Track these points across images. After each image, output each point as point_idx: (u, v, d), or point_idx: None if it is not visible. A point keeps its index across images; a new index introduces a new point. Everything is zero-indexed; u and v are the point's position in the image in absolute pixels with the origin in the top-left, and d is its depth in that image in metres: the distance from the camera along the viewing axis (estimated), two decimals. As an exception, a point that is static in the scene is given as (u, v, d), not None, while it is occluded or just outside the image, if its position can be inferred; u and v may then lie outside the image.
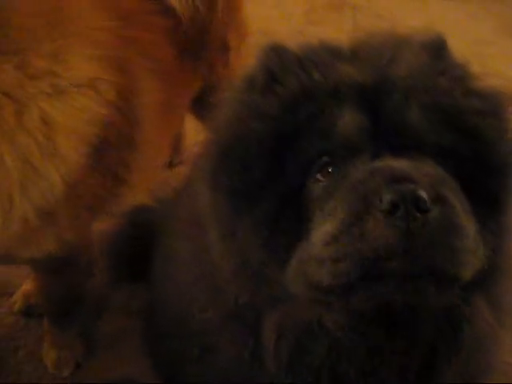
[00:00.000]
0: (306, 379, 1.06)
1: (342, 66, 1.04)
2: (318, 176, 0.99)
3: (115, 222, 1.87)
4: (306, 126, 1.00)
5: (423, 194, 0.85)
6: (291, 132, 1.00)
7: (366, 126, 0.98)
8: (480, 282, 1.00)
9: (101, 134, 1.35)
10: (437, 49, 1.11)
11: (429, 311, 1.01)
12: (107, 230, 1.80)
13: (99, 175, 1.41)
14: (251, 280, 1.03)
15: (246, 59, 2.03)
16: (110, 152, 1.42)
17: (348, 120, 0.98)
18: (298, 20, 3.39)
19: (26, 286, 1.96)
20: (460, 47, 3.54)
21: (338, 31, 3.45)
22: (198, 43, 1.80)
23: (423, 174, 0.91)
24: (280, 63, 1.07)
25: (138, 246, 1.81)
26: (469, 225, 0.92)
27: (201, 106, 1.94)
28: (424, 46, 1.09)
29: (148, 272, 1.60)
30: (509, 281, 1.13)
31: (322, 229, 0.92)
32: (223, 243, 1.06)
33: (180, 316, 1.27)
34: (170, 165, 2.47)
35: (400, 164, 0.93)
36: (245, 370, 1.12)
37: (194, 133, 2.43)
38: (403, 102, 0.99)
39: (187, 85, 1.82)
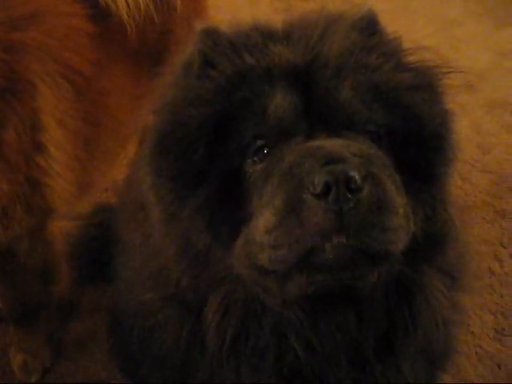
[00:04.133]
0: (249, 361, 1.06)
1: (274, 48, 1.04)
2: (255, 158, 1.00)
3: (76, 223, 1.85)
4: (240, 109, 1.00)
5: (353, 173, 0.86)
6: (227, 116, 1.00)
7: (298, 106, 0.99)
8: (423, 250, 1.03)
9: None
10: (368, 25, 1.10)
11: (374, 286, 1.01)
12: (69, 233, 1.78)
13: (9, 175, 1.41)
14: (194, 261, 1.04)
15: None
16: (16, 155, 1.41)
17: (279, 102, 0.98)
18: (264, 8, 3.37)
19: (-9, 292, 1.94)
20: (430, 29, 3.56)
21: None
22: (158, 47, 1.78)
23: (355, 152, 0.92)
24: (213, 47, 1.07)
25: (102, 246, 1.80)
26: (398, 201, 0.92)
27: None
28: (355, 24, 1.09)
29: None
30: (462, 246, 1.18)
31: (263, 216, 0.93)
32: (166, 225, 1.07)
33: (130, 303, 1.27)
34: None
35: (332, 144, 0.93)
36: (183, 351, 1.12)
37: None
38: (334, 80, 0.99)
39: (131, 87, 1.79)
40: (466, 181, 2.47)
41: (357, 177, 0.86)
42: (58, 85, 1.52)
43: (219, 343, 1.06)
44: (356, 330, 1.05)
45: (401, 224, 0.92)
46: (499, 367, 1.87)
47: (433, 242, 1.06)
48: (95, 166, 1.70)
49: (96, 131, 1.65)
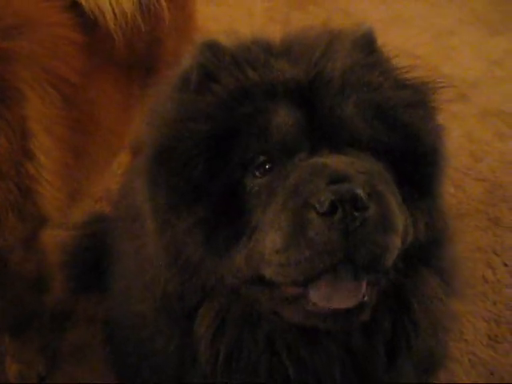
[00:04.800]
0: (241, 377, 1.06)
1: (276, 63, 1.05)
2: (257, 173, 1.00)
3: (70, 233, 1.86)
4: (243, 125, 1.00)
5: (359, 191, 0.87)
6: (229, 131, 1.00)
7: (301, 123, 0.99)
8: (423, 255, 1.06)
9: None
10: (368, 43, 1.12)
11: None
12: (63, 242, 1.79)
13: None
14: (184, 271, 1.04)
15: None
16: (6, 162, 1.43)
17: (282, 118, 0.99)
18: (259, 19, 3.38)
19: (-14, 301, 1.94)
20: (423, 38, 3.58)
21: (301, 29, 3.45)
22: (147, 56, 1.79)
23: (359, 170, 0.93)
24: (215, 61, 1.07)
25: (96, 255, 1.81)
26: (400, 219, 0.94)
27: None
28: (356, 41, 1.10)
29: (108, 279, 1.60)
30: (456, 253, 1.20)
31: (270, 235, 0.93)
32: (160, 236, 1.07)
33: (124, 314, 1.28)
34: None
35: (337, 161, 0.94)
36: (175, 364, 1.13)
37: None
38: (338, 98, 1.00)
39: (121, 97, 1.79)
40: (459, 189, 2.49)
41: (362, 195, 0.87)
42: (47, 93, 1.54)
43: (212, 359, 1.06)
44: (364, 345, 1.05)
45: (398, 244, 0.94)
46: (492, 374, 1.88)
47: (431, 247, 1.08)
48: (85, 174, 1.71)
49: (85, 140, 1.66)
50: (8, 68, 1.44)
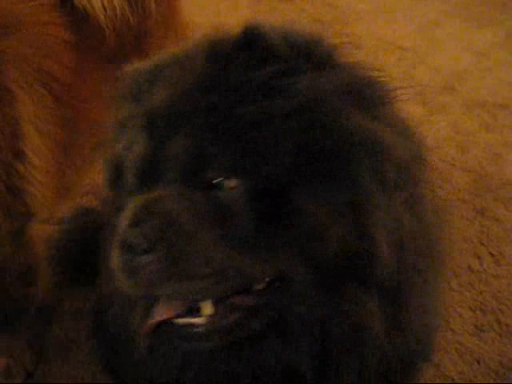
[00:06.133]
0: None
1: (144, 94, 1.02)
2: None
3: (58, 227, 1.85)
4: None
5: (135, 240, 0.90)
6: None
7: (146, 157, 0.97)
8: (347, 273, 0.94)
9: None
10: (221, 55, 0.98)
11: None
12: (50, 237, 1.78)
13: None
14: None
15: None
16: None
17: (133, 153, 0.99)
18: (246, 11, 3.38)
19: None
20: (409, 29, 3.59)
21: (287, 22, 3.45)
22: (135, 51, 1.78)
23: (161, 210, 0.91)
24: (130, 87, 1.08)
25: (86, 249, 1.81)
26: (198, 260, 0.91)
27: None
28: (210, 55, 0.98)
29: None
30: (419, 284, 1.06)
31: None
32: None
33: (115, 302, 1.27)
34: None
35: (147, 201, 0.93)
36: (146, 365, 1.16)
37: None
38: (167, 129, 0.95)
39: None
40: (446, 180, 2.50)
41: (140, 241, 0.89)
42: (37, 92, 1.53)
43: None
44: (280, 357, 1.01)
45: (190, 289, 0.93)
46: (478, 363, 1.89)
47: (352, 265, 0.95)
48: (74, 170, 1.71)
49: (75, 137, 1.66)
50: None
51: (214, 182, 0.91)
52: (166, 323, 0.99)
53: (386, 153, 0.93)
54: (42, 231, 1.72)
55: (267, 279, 0.96)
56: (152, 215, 0.91)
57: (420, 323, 1.08)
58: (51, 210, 1.70)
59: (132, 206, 0.94)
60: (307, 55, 0.96)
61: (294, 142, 0.89)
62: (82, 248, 1.85)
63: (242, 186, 0.90)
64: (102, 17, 1.63)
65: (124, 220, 0.93)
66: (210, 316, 0.97)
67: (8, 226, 1.53)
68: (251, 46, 0.95)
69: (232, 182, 0.90)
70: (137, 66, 1.09)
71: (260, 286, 0.97)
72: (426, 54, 3.22)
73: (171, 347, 1.07)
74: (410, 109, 2.66)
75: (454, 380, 1.85)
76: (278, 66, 0.93)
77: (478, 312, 2.03)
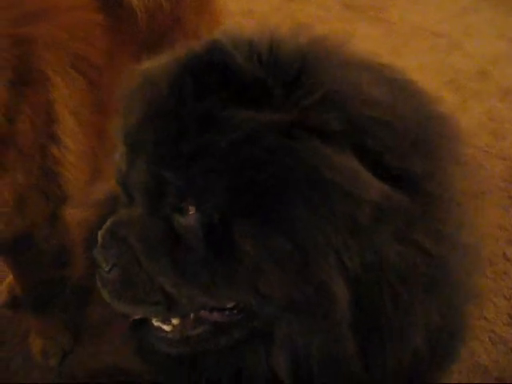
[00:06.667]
0: None
1: (128, 108, 1.01)
2: None
3: (91, 211, 1.87)
4: None
5: (103, 262, 0.96)
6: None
7: (125, 176, 0.98)
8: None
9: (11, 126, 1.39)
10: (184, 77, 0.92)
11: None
12: (84, 219, 1.80)
13: (24, 166, 1.44)
14: None
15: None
16: (31, 146, 1.45)
17: (118, 167, 1.01)
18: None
19: (9, 278, 1.98)
20: (443, 16, 3.53)
21: (319, 8, 3.43)
22: (166, 36, 1.78)
23: (118, 239, 0.95)
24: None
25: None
26: (148, 284, 0.95)
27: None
28: (171, 80, 0.94)
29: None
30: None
31: None
32: None
33: None
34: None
35: (109, 226, 0.99)
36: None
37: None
38: (133, 155, 0.94)
39: None
40: (481, 167, 2.47)
41: (107, 263, 0.96)
42: (71, 76, 1.54)
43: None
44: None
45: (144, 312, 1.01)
46: (513, 352, 1.87)
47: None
48: (106, 153, 1.72)
49: (107, 120, 1.67)
50: (31, 51, 1.44)
51: (176, 206, 0.89)
52: (145, 322, 1.04)
53: (352, 192, 0.82)
54: (77, 214, 1.74)
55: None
56: (113, 240, 0.96)
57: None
58: (85, 193, 1.72)
59: (107, 225, 0.99)
60: (273, 72, 0.88)
61: (229, 178, 0.84)
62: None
63: (198, 213, 0.87)
64: (136, 0, 1.63)
65: (99, 237, 0.99)
66: (177, 326, 1.01)
67: (44, 208, 1.56)
68: (212, 67, 0.89)
69: (192, 209, 0.87)
70: (146, 65, 1.06)
71: (231, 305, 0.95)
72: (460, 41, 3.17)
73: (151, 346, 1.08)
74: (444, 95, 2.62)
75: (487, 368, 1.83)
76: (224, 94, 0.86)
77: (512, 301, 2.01)
